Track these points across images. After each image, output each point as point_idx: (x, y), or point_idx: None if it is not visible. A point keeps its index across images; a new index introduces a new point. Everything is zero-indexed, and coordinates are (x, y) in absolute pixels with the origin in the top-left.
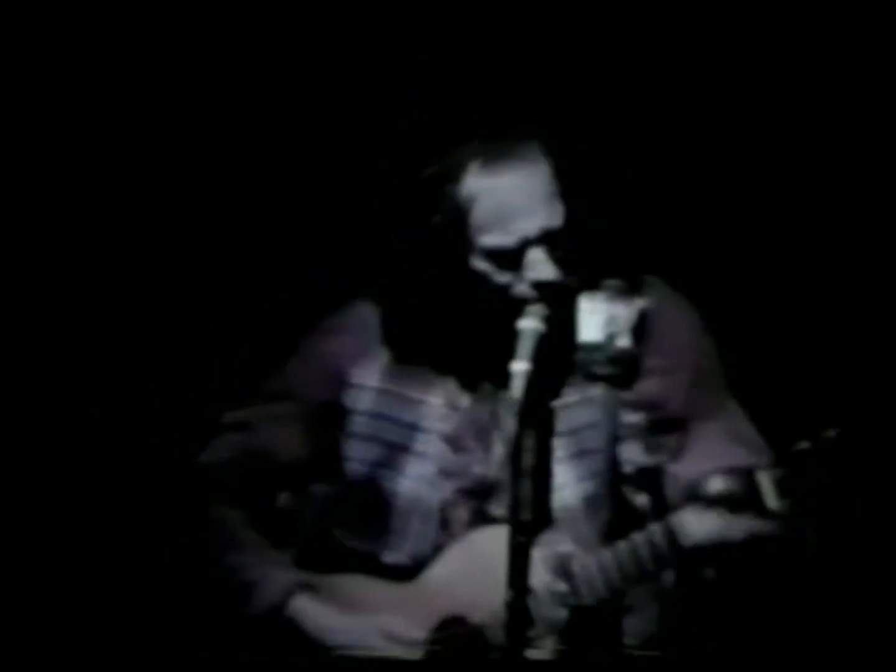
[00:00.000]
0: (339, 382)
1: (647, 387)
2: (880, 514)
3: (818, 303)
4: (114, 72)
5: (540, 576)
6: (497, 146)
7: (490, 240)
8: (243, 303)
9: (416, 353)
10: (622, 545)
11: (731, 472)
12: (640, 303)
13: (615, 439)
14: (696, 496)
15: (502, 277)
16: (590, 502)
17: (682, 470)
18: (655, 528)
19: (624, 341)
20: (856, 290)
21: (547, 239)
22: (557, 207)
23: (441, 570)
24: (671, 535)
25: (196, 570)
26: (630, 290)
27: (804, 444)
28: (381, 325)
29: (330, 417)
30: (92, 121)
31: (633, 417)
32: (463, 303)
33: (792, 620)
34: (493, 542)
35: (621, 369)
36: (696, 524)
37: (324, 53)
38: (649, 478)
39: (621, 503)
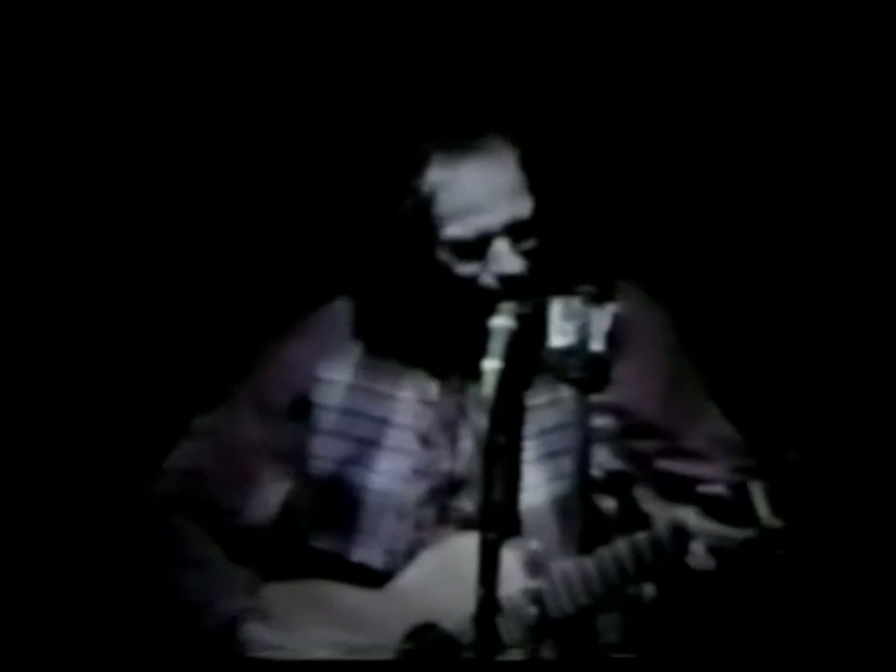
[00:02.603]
0: (307, 381)
1: (619, 392)
2: (869, 522)
3: (801, 308)
4: (113, 71)
5: (513, 573)
6: (461, 138)
7: (451, 231)
8: (217, 306)
9: (388, 347)
10: (604, 552)
11: (723, 482)
12: (613, 308)
13: (586, 442)
14: (685, 502)
15: (466, 269)
16: (558, 504)
17: (670, 467)
18: (640, 537)
19: (596, 346)
20: (833, 300)
21: (512, 231)
22: (524, 200)
23: (414, 575)
24: (659, 543)
25: (147, 579)
26: (604, 295)
27: (794, 454)
28: (353, 320)
29: (297, 418)
30: (80, 118)
31: (602, 421)
32: (431, 295)
33: (774, 628)
34: (468, 548)
35: (593, 374)
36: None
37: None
38: (619, 483)
39: (590, 506)
